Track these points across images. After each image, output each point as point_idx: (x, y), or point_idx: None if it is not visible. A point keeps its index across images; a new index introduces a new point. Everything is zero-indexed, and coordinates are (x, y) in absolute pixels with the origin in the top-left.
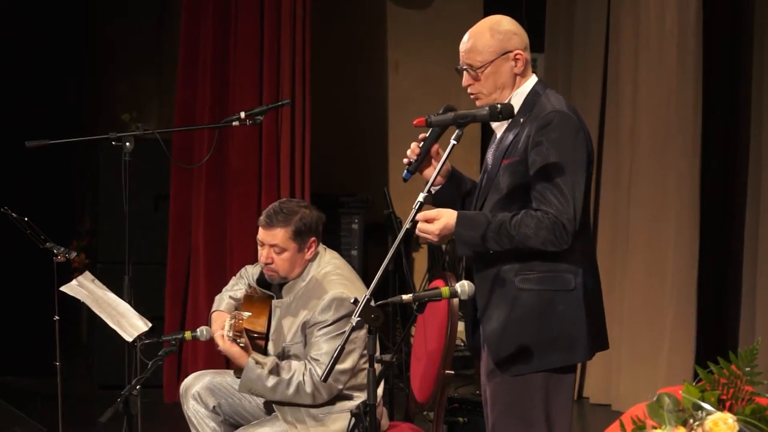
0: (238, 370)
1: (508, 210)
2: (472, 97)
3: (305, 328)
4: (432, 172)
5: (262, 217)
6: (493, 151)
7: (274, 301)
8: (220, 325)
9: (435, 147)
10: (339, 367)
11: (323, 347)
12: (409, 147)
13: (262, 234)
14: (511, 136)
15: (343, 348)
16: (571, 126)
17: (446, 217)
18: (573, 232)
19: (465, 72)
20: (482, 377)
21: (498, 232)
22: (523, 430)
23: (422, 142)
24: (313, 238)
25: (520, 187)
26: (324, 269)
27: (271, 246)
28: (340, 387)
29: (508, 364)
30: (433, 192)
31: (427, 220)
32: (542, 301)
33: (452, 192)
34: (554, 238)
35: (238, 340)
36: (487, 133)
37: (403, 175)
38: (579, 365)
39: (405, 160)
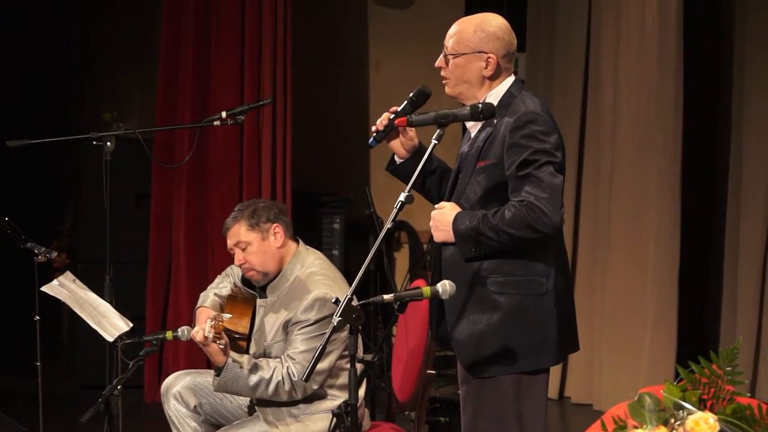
0: (217, 370)
1: (481, 208)
2: (443, 81)
3: (287, 326)
4: (397, 144)
5: (223, 228)
6: (467, 150)
7: (259, 301)
8: (203, 323)
9: (404, 120)
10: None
11: (300, 347)
12: (382, 120)
13: (227, 241)
14: (483, 136)
15: (323, 349)
16: (545, 127)
17: (449, 207)
18: (555, 219)
19: (442, 53)
20: (458, 378)
21: (486, 225)
22: (496, 431)
23: (393, 114)
24: (274, 225)
25: (496, 189)
26: (308, 269)
27: (237, 246)
28: (315, 387)
29: (477, 367)
30: (397, 162)
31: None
32: (513, 305)
33: (414, 167)
34: (532, 221)
35: (218, 342)
36: None
37: (369, 142)
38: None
39: (373, 128)
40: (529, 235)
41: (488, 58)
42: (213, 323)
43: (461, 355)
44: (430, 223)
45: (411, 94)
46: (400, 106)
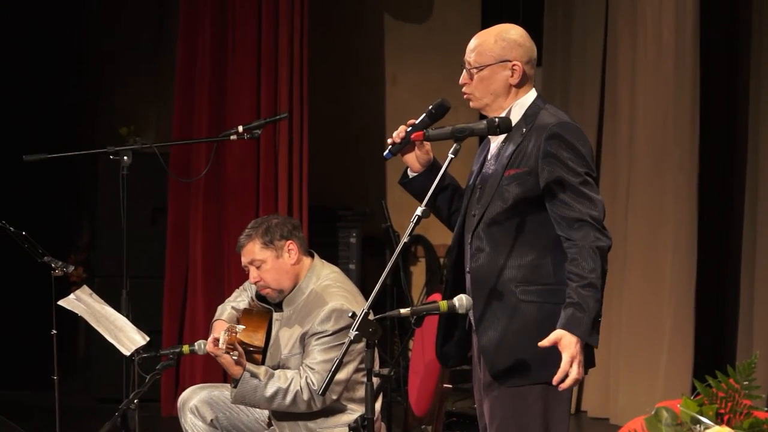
0: (234, 381)
1: (512, 219)
2: (465, 97)
3: (304, 338)
4: (412, 158)
5: (236, 246)
6: (492, 162)
7: (275, 314)
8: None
9: (420, 134)
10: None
11: (318, 357)
12: (398, 133)
13: (241, 259)
14: (512, 147)
15: (341, 361)
16: (581, 135)
17: (566, 341)
18: (601, 223)
19: (464, 69)
20: (476, 391)
21: (589, 291)
22: None
23: (410, 128)
24: (289, 242)
25: (528, 197)
26: (324, 282)
27: (251, 264)
28: (335, 397)
29: (505, 376)
30: (410, 176)
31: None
32: (543, 313)
33: (429, 182)
34: (602, 242)
35: (231, 353)
36: None
37: (385, 154)
38: None
39: (389, 140)
40: (607, 252)
41: (513, 66)
42: (226, 334)
43: (491, 365)
44: (577, 368)
45: (430, 107)
46: (417, 119)
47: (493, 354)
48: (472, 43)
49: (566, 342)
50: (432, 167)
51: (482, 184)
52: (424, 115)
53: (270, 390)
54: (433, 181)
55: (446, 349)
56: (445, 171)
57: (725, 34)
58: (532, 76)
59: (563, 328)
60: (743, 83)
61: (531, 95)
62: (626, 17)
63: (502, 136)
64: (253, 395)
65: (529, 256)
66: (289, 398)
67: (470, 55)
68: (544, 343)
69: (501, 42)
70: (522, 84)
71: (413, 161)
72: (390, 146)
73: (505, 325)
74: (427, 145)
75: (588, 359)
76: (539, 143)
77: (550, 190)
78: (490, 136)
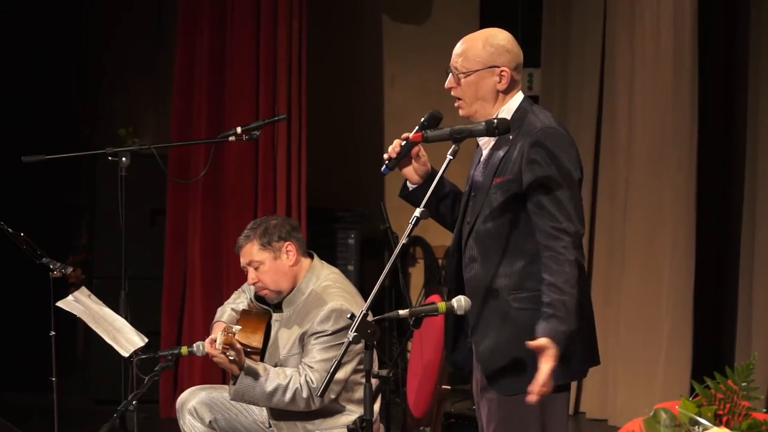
0: (233, 379)
1: (501, 227)
2: (456, 104)
3: (303, 338)
4: (410, 171)
5: (235, 247)
6: (482, 168)
7: (274, 315)
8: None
9: (416, 148)
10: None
11: (317, 356)
12: (394, 147)
13: (240, 259)
14: (500, 153)
15: (339, 361)
16: (564, 141)
17: (550, 353)
18: (581, 238)
19: (450, 74)
20: (475, 393)
21: (571, 306)
22: None
23: (405, 141)
24: (286, 244)
25: (512, 203)
26: (323, 283)
27: (249, 265)
28: (333, 396)
29: (501, 383)
30: (410, 188)
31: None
32: (535, 320)
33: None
34: (577, 254)
35: (227, 353)
36: None
37: (382, 169)
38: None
39: (385, 156)
40: (582, 265)
41: (501, 72)
42: (223, 335)
43: (484, 370)
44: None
45: (422, 119)
46: (411, 131)
47: (488, 362)
48: (459, 47)
49: (551, 354)
50: (430, 178)
51: (475, 191)
52: (417, 127)
53: (269, 386)
54: (434, 190)
55: (457, 356)
56: (443, 173)
57: (724, 34)
58: (519, 81)
59: (548, 338)
60: (742, 84)
61: (516, 100)
62: (624, 18)
63: (492, 142)
64: (252, 392)
65: (519, 263)
66: (288, 395)
67: (457, 60)
68: (533, 344)
69: (489, 47)
70: (509, 90)
71: (412, 174)
72: (387, 161)
73: (500, 333)
74: (424, 156)
75: (593, 355)
76: (523, 150)
77: (531, 198)
78: (480, 142)
